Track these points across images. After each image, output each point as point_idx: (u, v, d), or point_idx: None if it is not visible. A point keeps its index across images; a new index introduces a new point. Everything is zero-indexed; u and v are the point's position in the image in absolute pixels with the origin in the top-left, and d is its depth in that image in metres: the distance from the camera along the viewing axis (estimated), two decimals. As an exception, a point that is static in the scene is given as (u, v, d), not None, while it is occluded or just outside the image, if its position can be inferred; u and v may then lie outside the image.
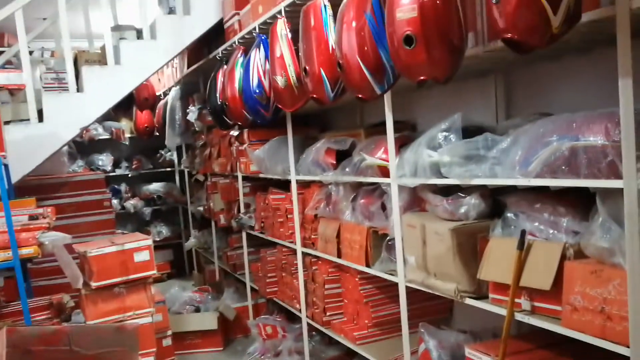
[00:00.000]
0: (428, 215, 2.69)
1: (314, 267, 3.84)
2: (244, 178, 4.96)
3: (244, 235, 5.04)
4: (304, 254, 3.93)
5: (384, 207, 3.08)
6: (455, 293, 2.40)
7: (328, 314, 3.71)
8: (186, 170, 7.20)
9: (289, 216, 4.11)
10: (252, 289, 5.11)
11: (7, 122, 3.96)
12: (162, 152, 7.67)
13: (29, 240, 2.94)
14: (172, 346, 3.84)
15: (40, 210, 3.26)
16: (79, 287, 3.34)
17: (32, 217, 3.19)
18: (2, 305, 3.46)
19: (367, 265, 3.13)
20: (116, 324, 2.05)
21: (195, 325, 4.79)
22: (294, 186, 3.90)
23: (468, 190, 2.46)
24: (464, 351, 2.68)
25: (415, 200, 2.85)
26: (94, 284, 3.33)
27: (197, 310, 5.09)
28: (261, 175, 4.42)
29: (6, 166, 3.11)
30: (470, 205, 2.43)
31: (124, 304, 3.35)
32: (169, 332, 3.80)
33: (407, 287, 2.82)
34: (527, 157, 2.08)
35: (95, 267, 3.32)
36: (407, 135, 3.04)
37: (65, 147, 5.19)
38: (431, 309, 3.28)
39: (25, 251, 2.90)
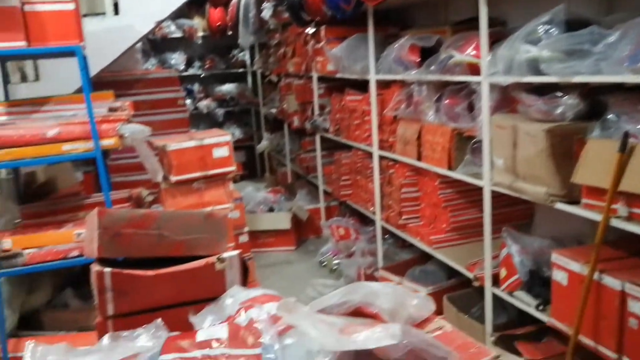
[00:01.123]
0: (519, 116, 2.59)
1: (390, 171, 3.83)
2: (320, 79, 4.91)
3: (317, 137, 5.06)
4: (381, 157, 3.91)
5: (470, 108, 2.99)
6: (545, 197, 2.34)
7: (404, 217, 3.73)
8: (259, 71, 7.20)
9: (365, 118, 4.07)
10: (324, 191, 5.19)
11: (83, 16, 4.01)
12: (235, 53, 7.67)
13: (109, 131, 3.03)
14: (248, 243, 3.98)
15: (119, 104, 3.34)
16: (158, 180, 3.45)
17: (112, 110, 3.27)
18: (83, 198, 3.63)
19: (449, 169, 3.09)
20: (205, 211, 2.12)
21: (269, 224, 4.95)
22: (372, 86, 3.83)
23: (565, 89, 2.34)
24: (548, 257, 2.65)
25: (505, 100, 2.75)
26: (173, 178, 3.44)
27: (271, 210, 5.24)
28: (337, 76, 4.35)
29: (85, 58, 3.17)
30: (568, 105, 2.32)
31: (202, 199, 3.47)
32: (246, 229, 3.93)
33: (491, 192, 2.78)
34: (638, 52, 1.95)
35: (174, 161, 3.42)
36: (500, 31, 2.90)
37: (139, 44, 5.25)
38: (511, 215, 3.23)
39: (106, 142, 3.00)
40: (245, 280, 1.85)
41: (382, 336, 1.28)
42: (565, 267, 2.31)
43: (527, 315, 2.77)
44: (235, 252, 1.82)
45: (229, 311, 1.61)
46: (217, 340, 1.36)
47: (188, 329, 1.60)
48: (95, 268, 1.77)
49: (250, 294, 1.65)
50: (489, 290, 2.88)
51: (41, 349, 1.44)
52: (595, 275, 2.15)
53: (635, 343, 2.04)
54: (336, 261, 4.40)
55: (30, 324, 3.32)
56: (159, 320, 1.60)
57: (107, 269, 1.75)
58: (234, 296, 1.66)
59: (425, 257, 3.84)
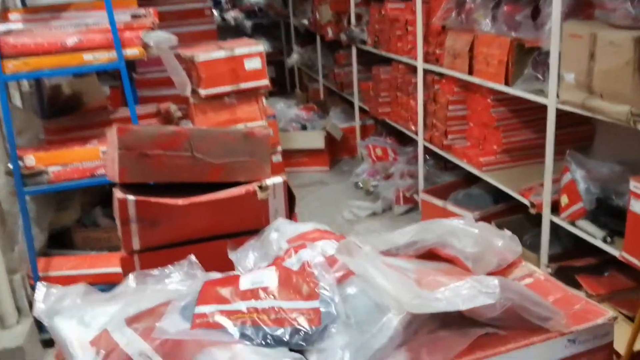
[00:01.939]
0: (598, 23, 2.19)
1: (436, 86, 3.45)
2: (357, -15, 4.46)
3: (353, 50, 4.64)
4: (426, 71, 3.53)
5: (534, 15, 2.58)
6: (627, 117, 1.98)
7: (449, 137, 3.39)
8: (289, -20, 6.69)
9: (409, 28, 3.66)
10: (360, 109, 4.83)
11: None
12: (263, -40, 7.12)
13: (132, 40, 2.69)
14: (282, 163, 3.70)
15: (143, 11, 2.98)
16: (187, 94, 3.14)
17: (135, 17, 2.92)
18: (109, 112, 3.35)
19: (507, 84, 2.72)
20: (244, 130, 1.82)
21: (303, 143, 4.64)
22: (418, -8, 3.40)
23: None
24: (618, 184, 2.32)
25: (579, 5, 2.34)
26: (203, 92, 3.12)
27: (304, 128, 4.91)
28: (378, -18, 3.91)
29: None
30: (664, 8, 1.91)
31: (234, 115, 3.16)
32: (279, 149, 3.63)
33: (557, 110, 2.42)
34: None
35: (204, 74, 3.09)
36: None
37: (164, -50, 4.79)
38: (568, 137, 2.88)
39: (129, 51, 2.66)
40: (292, 211, 1.56)
41: (475, 293, 0.99)
42: (648, 197, 1.98)
43: (584, 246, 2.47)
44: (280, 179, 1.52)
45: (275, 249, 1.33)
46: (265, 289, 1.08)
47: (226, 267, 1.33)
48: (117, 195, 1.49)
49: (298, 228, 1.36)
50: (547, 217, 2.57)
51: (55, 291, 1.19)
52: (688, 208, 1.82)
53: None
54: (373, 183, 4.11)
55: (60, 242, 3.14)
56: (192, 256, 1.32)
57: (131, 197, 1.47)
58: (279, 230, 1.37)
59: (469, 181, 3.52)
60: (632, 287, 2.32)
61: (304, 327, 1.02)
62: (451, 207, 3.32)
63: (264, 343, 1.00)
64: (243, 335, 1.00)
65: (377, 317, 1.03)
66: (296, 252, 1.20)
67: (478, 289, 1.00)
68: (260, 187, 1.48)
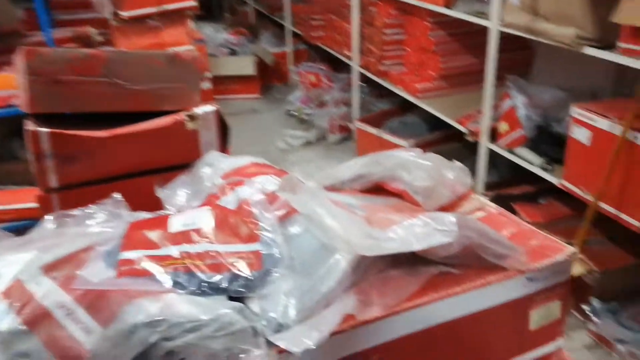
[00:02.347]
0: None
1: (372, 9, 3.31)
2: None
3: (285, -30, 4.40)
4: (361, -7, 3.37)
5: None
6: (573, 40, 1.93)
7: (385, 63, 3.29)
8: None
9: (344, -54, 3.47)
10: (292, 33, 4.63)
11: None
12: None
13: (43, -46, 2.40)
14: (211, 90, 3.50)
15: None
16: (107, 16, 2.88)
17: None
18: (23, 36, 3.04)
19: (446, 6, 2.61)
20: (169, 52, 1.63)
21: (232, 69, 4.43)
22: None
23: None
24: (558, 111, 2.30)
25: None
26: (125, 14, 2.86)
27: (233, 53, 4.68)
28: None
29: None
30: None
31: (160, 38, 2.92)
32: (209, 75, 3.43)
33: (499, 34, 2.35)
34: None
35: (124, -7, 2.82)
36: None
37: None
38: (508, 63, 2.82)
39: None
40: (225, 143, 1.43)
41: (430, 231, 0.91)
42: (589, 124, 1.96)
43: (522, 175, 2.48)
44: (212, 107, 1.38)
45: (208, 186, 1.20)
46: (199, 231, 0.97)
47: (154, 206, 1.20)
48: (28, 127, 1.31)
49: (233, 162, 1.24)
50: (484, 145, 2.55)
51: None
52: (629, 135, 1.82)
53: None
54: (307, 111, 3.99)
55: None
56: (116, 194, 1.18)
57: (44, 129, 1.29)
58: (212, 165, 1.25)
59: (405, 109, 3.46)
60: (569, 215, 2.35)
61: (243, 272, 0.92)
62: (386, 136, 3.26)
63: (199, 291, 0.89)
64: (175, 284, 0.89)
65: (323, 258, 0.94)
66: (232, 189, 1.08)
67: (433, 227, 0.92)
68: (190, 117, 1.34)
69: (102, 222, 1.12)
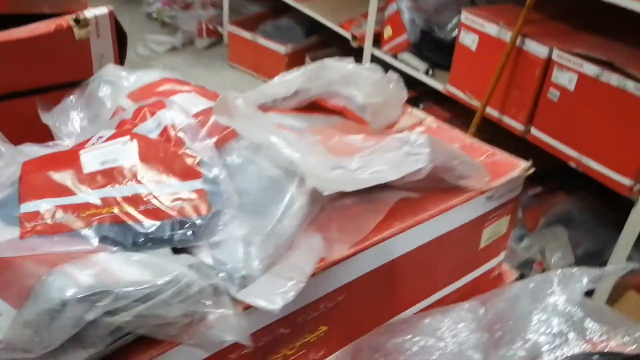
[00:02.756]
0: None
1: None
2: None
3: None
4: None
5: None
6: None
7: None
8: None
9: None
10: None
11: None
12: None
13: None
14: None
15: None
16: None
17: None
18: None
19: None
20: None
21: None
22: None
23: None
24: (443, 16, 2.22)
25: None
26: None
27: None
28: None
29: None
30: None
31: None
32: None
33: None
34: None
35: None
36: None
37: None
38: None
39: None
40: (123, 55, 1.15)
41: (403, 158, 0.77)
42: (477, 30, 1.90)
43: (404, 81, 2.41)
44: (105, 9, 1.08)
45: (109, 107, 0.95)
46: (122, 170, 0.74)
47: (38, 137, 0.93)
48: None
49: (139, 78, 0.99)
50: (368, 50, 2.43)
51: None
52: (517, 41, 1.78)
53: (549, 115, 1.78)
54: (170, 13, 3.57)
55: None
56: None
57: None
58: (112, 82, 0.99)
59: (279, 11, 3.21)
60: (448, 119, 2.34)
61: (188, 217, 0.72)
62: (261, 41, 3.02)
63: (135, 247, 0.69)
64: (103, 240, 0.68)
65: (277, 194, 0.78)
66: (152, 112, 0.85)
67: (405, 152, 0.78)
68: (78, 22, 1.04)
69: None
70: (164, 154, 0.78)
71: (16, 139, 0.90)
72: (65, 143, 0.92)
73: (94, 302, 0.60)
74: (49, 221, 0.68)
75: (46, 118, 0.97)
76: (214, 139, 0.83)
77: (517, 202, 0.96)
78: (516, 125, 1.89)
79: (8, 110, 1.03)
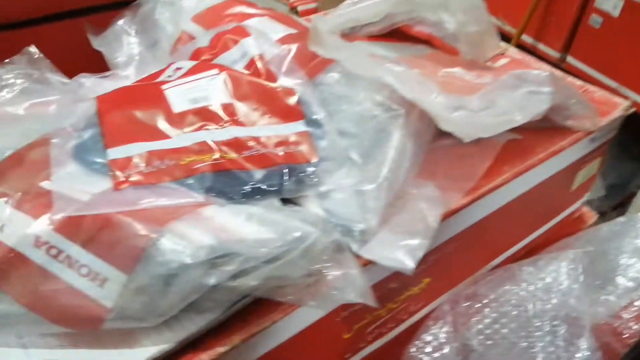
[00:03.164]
0: None
1: None
2: None
3: None
4: None
5: None
6: None
7: None
8: None
9: None
10: None
11: None
12: None
13: None
14: None
15: None
16: None
17: None
18: None
19: None
20: None
21: None
22: None
23: None
24: None
25: None
26: None
27: None
28: None
29: None
30: None
31: None
32: None
33: None
34: None
35: None
36: None
37: None
38: None
39: None
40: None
41: (527, 97, 0.67)
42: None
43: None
44: None
45: (169, 33, 0.83)
46: (217, 108, 0.63)
47: (88, 65, 0.81)
48: None
49: (201, 0, 0.85)
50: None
51: None
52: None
53: (589, 43, 1.68)
54: None
55: None
56: (32, 47, 0.77)
57: None
58: (172, 4, 0.85)
59: None
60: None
61: (297, 163, 0.62)
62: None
63: (242, 198, 0.59)
64: (209, 190, 0.58)
65: (380, 136, 0.68)
66: (235, 42, 0.73)
67: (528, 91, 0.68)
68: None
69: (28, 95, 0.72)
70: (259, 90, 0.66)
71: (64, 68, 0.77)
72: (124, 73, 0.80)
73: (218, 265, 0.51)
74: (144, 169, 0.58)
75: (97, 43, 0.84)
76: (304, 73, 0.72)
77: (609, 142, 0.87)
78: (551, 53, 1.78)
79: (51, 34, 0.89)
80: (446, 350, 0.74)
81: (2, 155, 0.60)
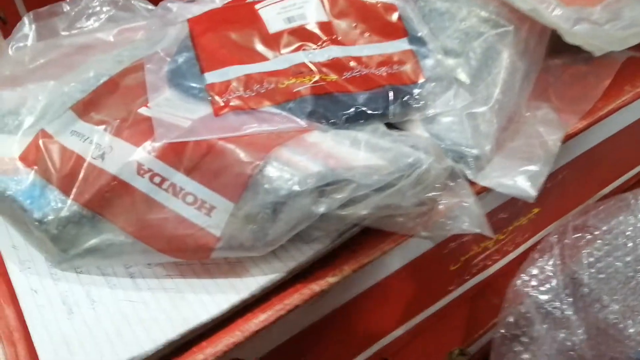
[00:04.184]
0: None
1: None
2: None
3: None
4: None
5: None
6: None
7: None
8: None
9: None
10: None
11: None
12: None
13: None
14: None
15: None
16: None
17: None
18: None
19: None
20: None
21: None
22: None
23: None
24: None
25: None
26: None
27: None
28: None
29: None
30: None
31: None
32: None
33: None
34: None
35: None
36: None
37: None
38: None
39: None
40: None
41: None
42: None
43: None
44: None
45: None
46: (314, 27, 0.57)
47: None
48: None
49: None
50: None
51: None
52: None
53: None
54: None
55: None
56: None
57: None
58: None
59: None
60: None
61: (403, 84, 0.56)
62: None
63: (344, 122, 0.54)
64: (311, 115, 0.53)
65: (488, 54, 0.60)
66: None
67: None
68: None
69: (115, 22, 0.69)
70: (357, 6, 0.60)
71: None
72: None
73: (327, 193, 0.47)
74: (243, 94, 0.53)
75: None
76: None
77: None
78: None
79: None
80: (553, 283, 0.68)
81: (98, 82, 0.57)
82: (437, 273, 0.61)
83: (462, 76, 0.59)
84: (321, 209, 0.47)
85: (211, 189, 0.48)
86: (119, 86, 0.56)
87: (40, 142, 0.52)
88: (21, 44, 0.67)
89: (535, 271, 0.68)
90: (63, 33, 0.69)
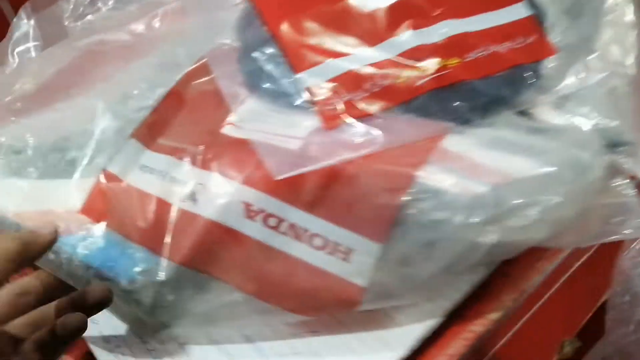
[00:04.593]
0: None
1: None
2: None
3: None
4: None
5: None
6: None
7: None
8: None
9: None
10: None
11: None
12: None
13: None
14: None
15: None
16: None
17: None
18: None
19: None
20: None
21: None
22: None
23: None
24: None
25: None
26: None
27: None
28: None
29: None
30: None
31: None
32: None
33: None
34: None
35: None
36: None
37: None
38: None
39: None
40: None
41: None
42: None
43: None
44: None
45: None
46: (410, 1, 0.45)
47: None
48: None
49: None
50: None
51: None
52: None
53: None
54: None
55: None
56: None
57: None
58: None
59: None
60: None
61: (530, 62, 0.46)
62: None
63: (477, 118, 0.44)
64: (441, 112, 0.42)
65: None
66: None
67: None
68: None
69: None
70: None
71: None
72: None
73: (498, 219, 0.37)
74: (353, 96, 0.42)
75: None
76: None
77: None
78: None
79: None
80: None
81: (154, 95, 0.44)
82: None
83: (580, 43, 0.49)
84: (492, 238, 0.37)
85: (344, 228, 0.38)
86: (183, 98, 0.44)
87: (106, 186, 0.40)
88: (23, 47, 0.52)
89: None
90: (69, 25, 0.54)
